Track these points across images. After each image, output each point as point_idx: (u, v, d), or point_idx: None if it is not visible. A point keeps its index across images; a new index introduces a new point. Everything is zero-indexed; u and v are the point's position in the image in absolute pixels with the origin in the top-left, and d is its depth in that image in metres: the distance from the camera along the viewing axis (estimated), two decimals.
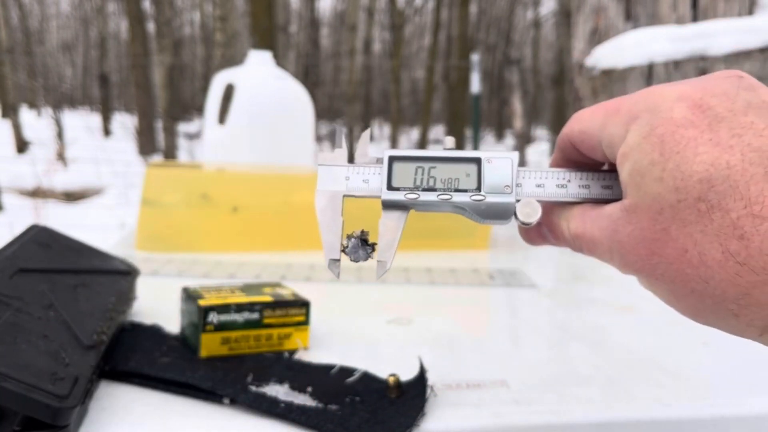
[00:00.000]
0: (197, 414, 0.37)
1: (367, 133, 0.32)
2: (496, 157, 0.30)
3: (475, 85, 3.55)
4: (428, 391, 0.38)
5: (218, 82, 1.09)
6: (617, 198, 0.27)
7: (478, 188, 0.30)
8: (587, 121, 0.28)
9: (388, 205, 0.31)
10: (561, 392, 0.41)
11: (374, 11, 10.42)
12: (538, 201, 0.29)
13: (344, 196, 0.31)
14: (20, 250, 0.45)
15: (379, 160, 0.31)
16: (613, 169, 0.29)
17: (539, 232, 0.32)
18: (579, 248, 0.29)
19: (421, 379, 0.40)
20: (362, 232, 0.31)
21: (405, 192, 0.30)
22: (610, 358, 0.47)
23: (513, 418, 0.37)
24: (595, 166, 0.30)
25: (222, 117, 1.07)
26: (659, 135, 0.24)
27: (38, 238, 0.48)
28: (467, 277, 0.70)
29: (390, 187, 0.30)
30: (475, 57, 3.55)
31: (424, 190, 0.30)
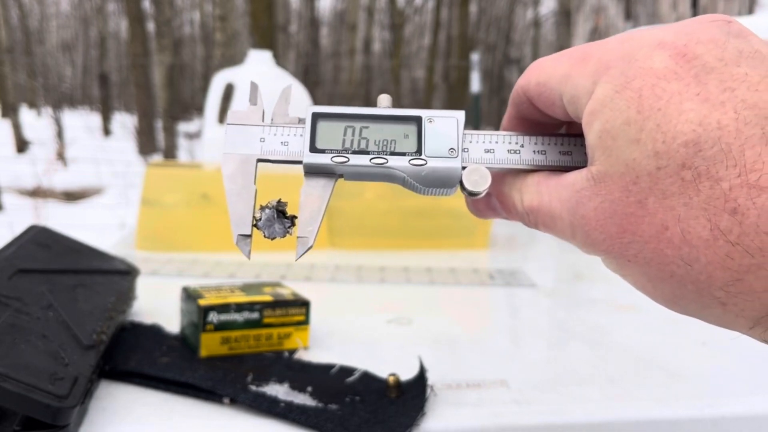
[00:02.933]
0: (197, 414, 0.37)
1: (288, 88, 0.28)
2: (439, 116, 0.26)
3: (475, 84, 3.55)
4: (428, 390, 0.38)
5: (218, 82, 1.09)
6: (578, 166, 0.24)
7: (419, 151, 0.26)
8: (548, 71, 0.24)
9: (311, 171, 0.26)
10: (561, 392, 0.41)
11: (374, 11, 10.42)
12: (488, 168, 0.25)
13: (258, 160, 0.26)
14: (19, 250, 0.45)
15: (301, 121, 0.27)
16: (572, 133, 0.26)
17: (488, 203, 0.28)
18: (533, 223, 0.25)
19: (421, 378, 0.40)
20: (279, 202, 0.27)
21: (332, 155, 0.26)
22: (609, 358, 0.47)
23: (513, 417, 0.37)
24: (552, 127, 0.27)
25: (222, 117, 1.07)
26: (636, 88, 0.20)
27: (37, 238, 0.48)
28: (467, 277, 0.70)
29: (313, 149, 0.26)
30: (475, 56, 3.55)
31: (355, 153, 0.26)
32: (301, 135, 0.26)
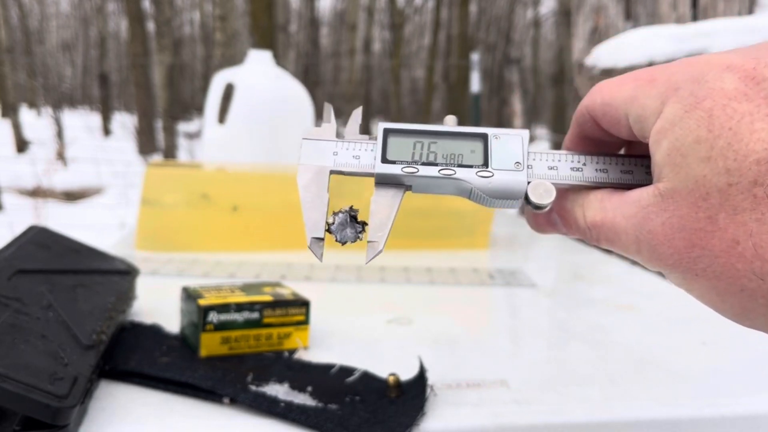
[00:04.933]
0: (197, 413, 0.37)
1: (358, 111, 0.30)
2: (504, 134, 0.27)
3: (475, 84, 3.55)
4: (428, 390, 0.38)
5: (218, 82, 1.09)
6: (640, 184, 0.24)
7: (485, 164, 0.27)
8: (613, 92, 0.25)
9: (382, 181, 0.27)
10: (561, 392, 0.41)
11: (374, 11, 10.41)
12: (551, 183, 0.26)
13: (331, 171, 0.28)
14: (19, 251, 0.45)
15: (372, 137, 0.28)
16: (632, 154, 0.27)
17: (549, 219, 0.29)
18: (596, 238, 0.26)
19: (421, 378, 0.40)
20: (351, 208, 0.28)
21: (402, 165, 0.27)
22: (609, 358, 0.47)
23: (513, 417, 0.37)
24: (613, 148, 0.28)
25: (222, 116, 1.07)
26: (706, 109, 0.21)
27: (37, 238, 0.48)
28: (467, 277, 0.70)
29: (385, 160, 0.27)
30: (474, 56, 3.55)
31: (424, 164, 0.27)
32: (372, 150, 0.28)
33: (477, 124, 3.86)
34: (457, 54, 8.27)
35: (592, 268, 0.74)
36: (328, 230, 0.27)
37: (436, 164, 0.27)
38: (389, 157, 0.27)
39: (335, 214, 0.28)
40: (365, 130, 0.29)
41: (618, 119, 0.25)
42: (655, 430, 0.38)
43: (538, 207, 0.26)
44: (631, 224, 0.23)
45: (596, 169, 0.27)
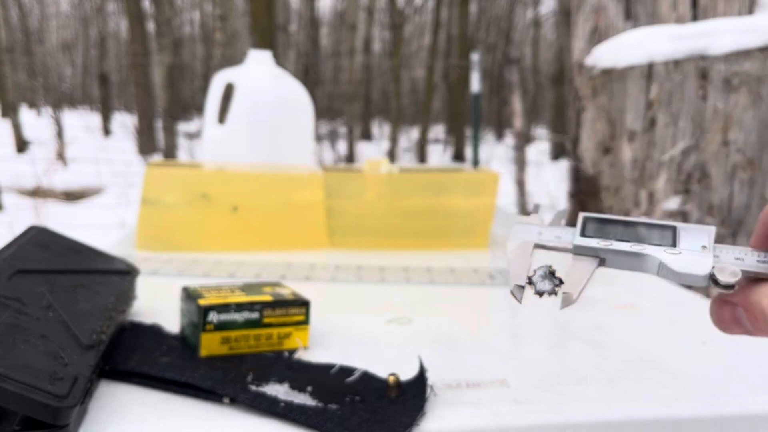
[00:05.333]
0: (197, 413, 0.37)
1: (563, 212, 0.35)
2: (693, 227, 0.30)
3: (475, 84, 3.55)
4: (428, 390, 0.39)
5: (218, 82, 1.09)
6: None
7: (674, 245, 0.30)
8: None
9: (580, 252, 0.31)
10: (560, 391, 0.41)
11: (374, 10, 10.41)
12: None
13: (535, 245, 0.33)
14: (19, 251, 0.45)
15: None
16: None
17: (734, 315, 0.29)
18: None
19: (420, 378, 0.40)
20: (550, 266, 0.32)
21: (598, 239, 0.31)
22: (609, 358, 0.47)
23: (513, 417, 0.37)
24: None
25: (222, 116, 1.07)
26: None
27: (37, 239, 0.48)
28: (467, 277, 0.70)
29: (583, 234, 0.32)
30: (474, 56, 3.55)
31: (617, 240, 0.31)
32: (572, 233, 0.32)
33: (477, 124, 3.86)
34: (457, 54, 8.27)
35: None
36: (530, 280, 0.32)
37: (628, 242, 0.30)
38: (587, 233, 0.32)
39: (536, 269, 0.32)
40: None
41: None
42: (654, 430, 0.38)
43: (725, 287, 0.28)
44: None
45: None
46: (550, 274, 0.32)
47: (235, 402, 0.37)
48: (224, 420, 0.36)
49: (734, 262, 0.28)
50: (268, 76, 1.06)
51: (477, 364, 0.45)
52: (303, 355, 0.45)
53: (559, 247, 0.32)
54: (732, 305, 0.28)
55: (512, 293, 0.32)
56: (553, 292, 0.32)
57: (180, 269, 0.69)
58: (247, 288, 0.47)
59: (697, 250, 0.29)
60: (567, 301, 0.30)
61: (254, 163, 1.00)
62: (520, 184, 3.71)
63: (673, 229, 0.30)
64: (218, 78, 1.09)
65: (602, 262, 0.31)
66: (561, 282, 0.32)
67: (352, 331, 0.51)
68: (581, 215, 0.32)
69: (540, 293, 0.32)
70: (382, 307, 0.59)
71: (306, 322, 0.46)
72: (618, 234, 0.31)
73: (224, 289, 0.46)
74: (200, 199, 0.80)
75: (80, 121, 8.25)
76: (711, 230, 0.30)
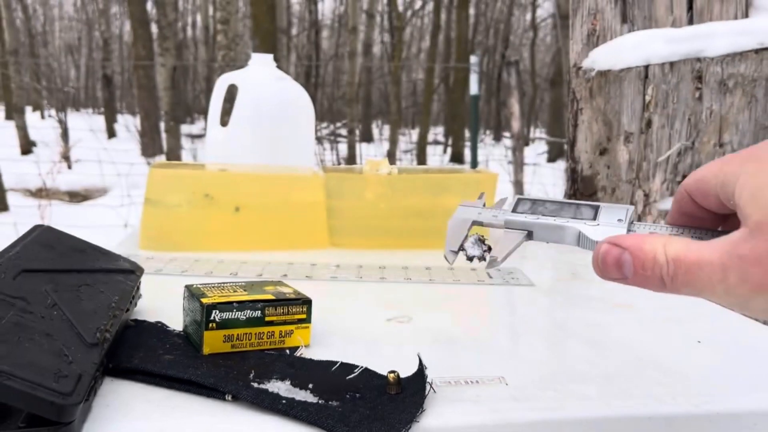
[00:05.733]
0: (200, 410, 0.37)
1: (503, 200, 0.39)
2: (614, 207, 0.34)
3: (474, 86, 3.55)
4: (428, 387, 0.39)
5: (221, 84, 1.09)
6: None
7: (594, 218, 0.34)
8: (703, 171, 0.30)
9: (510, 226, 0.36)
10: (558, 389, 0.41)
11: (375, 14, 10.41)
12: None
13: (473, 222, 0.38)
14: (23, 250, 0.45)
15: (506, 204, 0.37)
16: (727, 230, 0.30)
17: (618, 260, 0.30)
18: (671, 274, 0.28)
19: (420, 375, 0.40)
20: (481, 235, 0.37)
21: (527, 215, 0.36)
22: (607, 356, 0.48)
23: (511, 414, 0.38)
24: (707, 223, 0.32)
25: (225, 118, 1.08)
26: None
27: (41, 238, 0.49)
28: (466, 276, 0.70)
29: (514, 211, 0.36)
30: (474, 59, 3.55)
31: (544, 215, 0.35)
32: (506, 213, 0.36)
33: (476, 126, 3.86)
34: (456, 57, 8.27)
35: (590, 267, 0.74)
36: (461, 247, 0.37)
37: (554, 217, 0.35)
38: (518, 211, 0.36)
39: (467, 237, 0.37)
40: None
41: (708, 191, 0.30)
42: (651, 427, 0.39)
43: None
44: (717, 255, 0.26)
45: (692, 237, 0.31)
46: (480, 241, 0.37)
47: (237, 399, 0.38)
48: (227, 417, 0.37)
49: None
50: (270, 78, 1.07)
51: (476, 361, 0.46)
52: (304, 353, 0.45)
53: (494, 224, 0.37)
54: (621, 249, 0.30)
55: (445, 257, 0.37)
56: (482, 258, 0.36)
57: (183, 268, 0.70)
58: (250, 287, 0.48)
59: (614, 223, 0.33)
60: (492, 264, 0.35)
61: (256, 164, 1.00)
62: (518, 185, 3.71)
63: (597, 207, 0.34)
64: (221, 81, 1.10)
65: (530, 235, 0.35)
66: (489, 249, 0.37)
67: (352, 329, 0.52)
68: (516, 197, 0.37)
69: (470, 258, 0.37)
70: (382, 306, 0.60)
71: (307, 320, 0.46)
72: (546, 211, 0.35)
73: (227, 288, 0.47)
74: (203, 199, 0.80)
75: (84, 123, 8.27)
76: (630, 208, 0.33)
